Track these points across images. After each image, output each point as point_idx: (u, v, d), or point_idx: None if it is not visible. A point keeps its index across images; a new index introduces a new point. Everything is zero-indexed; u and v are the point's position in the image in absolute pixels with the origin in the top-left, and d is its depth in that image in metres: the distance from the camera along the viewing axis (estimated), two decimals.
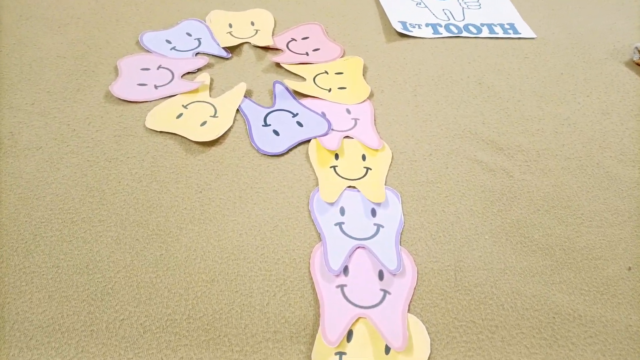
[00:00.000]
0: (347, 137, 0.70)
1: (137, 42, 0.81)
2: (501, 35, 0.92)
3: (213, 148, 0.66)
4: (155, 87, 0.73)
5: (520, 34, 0.92)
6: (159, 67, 0.76)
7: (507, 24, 0.94)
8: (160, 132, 0.67)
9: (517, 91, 0.81)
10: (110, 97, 0.71)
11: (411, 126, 0.73)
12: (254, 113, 0.71)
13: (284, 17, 0.91)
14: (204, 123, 0.68)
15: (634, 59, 0.89)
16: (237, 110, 0.71)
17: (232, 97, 0.73)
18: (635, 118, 0.78)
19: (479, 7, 0.98)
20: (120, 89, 0.71)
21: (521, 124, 0.75)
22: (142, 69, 0.76)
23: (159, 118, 0.68)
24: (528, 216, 0.63)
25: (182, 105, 0.70)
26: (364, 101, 0.75)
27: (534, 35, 0.92)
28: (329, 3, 0.96)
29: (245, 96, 0.73)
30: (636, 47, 0.88)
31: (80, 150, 0.64)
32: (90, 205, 0.58)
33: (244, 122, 0.70)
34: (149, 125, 0.67)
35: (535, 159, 0.70)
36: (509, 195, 0.65)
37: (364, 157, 0.67)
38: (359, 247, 0.56)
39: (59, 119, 0.68)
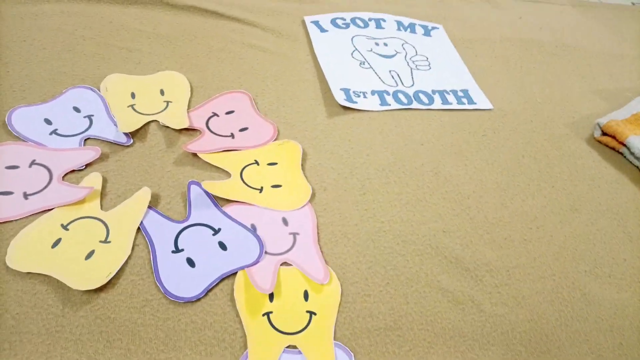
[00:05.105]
0: (284, 263, 0.55)
1: (4, 124, 0.61)
2: (455, 106, 0.80)
3: (102, 295, 0.49)
4: (25, 195, 0.54)
5: (475, 104, 0.82)
6: (32, 162, 0.57)
7: (460, 90, 0.83)
8: (28, 273, 0.49)
9: (477, 183, 0.70)
10: None
11: (362, 241, 0.59)
12: (161, 232, 0.54)
13: (203, 81, 0.75)
14: (90, 254, 0.51)
15: (595, 136, 0.81)
16: (138, 228, 0.54)
17: (132, 210, 0.55)
18: (604, 215, 0.70)
19: (428, 67, 0.87)
20: None
21: (486, 231, 0.64)
22: (8, 167, 0.56)
23: (26, 250, 0.50)
24: None
25: (61, 226, 0.52)
26: (303, 205, 0.61)
27: (490, 106, 0.82)
28: (258, 62, 0.80)
29: (150, 206, 0.56)
30: (597, 123, 0.81)
31: None
32: None
33: (147, 246, 0.53)
34: (11, 263, 0.49)
35: (507, 281, 0.59)
36: (481, 340, 0.54)
37: (306, 296, 0.52)
38: None
39: None
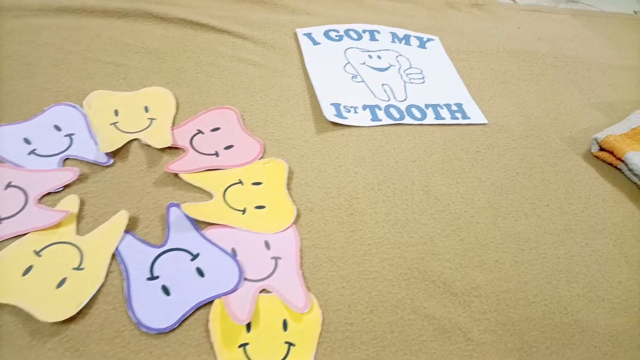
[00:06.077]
0: (263, 290, 0.53)
1: None
2: (448, 121, 0.78)
3: (72, 326, 0.47)
4: None
5: (469, 118, 0.80)
6: (9, 185, 0.56)
7: (454, 104, 0.81)
8: None
9: (469, 202, 0.68)
10: None
11: (347, 265, 0.58)
12: (137, 258, 0.53)
13: (190, 97, 0.73)
14: (62, 282, 0.49)
15: (592, 151, 0.79)
16: (113, 254, 0.53)
17: (107, 235, 0.54)
18: (599, 235, 0.67)
19: (422, 80, 0.85)
20: None
21: (477, 253, 0.62)
22: None
23: None
24: None
25: (34, 252, 0.51)
26: (287, 228, 0.59)
27: (485, 121, 0.80)
28: (248, 77, 0.78)
29: (127, 230, 0.55)
30: (595, 138, 0.78)
31: None
32: None
33: (121, 273, 0.52)
34: None
35: (496, 307, 0.57)
36: None
37: (285, 325, 0.51)
38: None
39: None
